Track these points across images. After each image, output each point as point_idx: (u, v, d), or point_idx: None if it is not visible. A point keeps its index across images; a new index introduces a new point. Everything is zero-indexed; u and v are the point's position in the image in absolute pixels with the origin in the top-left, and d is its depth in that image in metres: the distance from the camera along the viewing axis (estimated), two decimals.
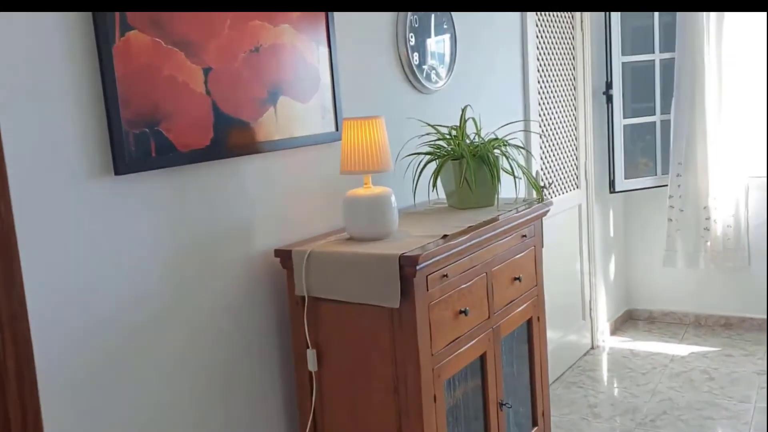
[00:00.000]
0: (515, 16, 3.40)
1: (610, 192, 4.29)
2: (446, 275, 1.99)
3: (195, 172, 1.87)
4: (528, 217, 2.40)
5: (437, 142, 2.56)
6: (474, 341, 2.15)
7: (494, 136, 2.61)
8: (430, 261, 1.88)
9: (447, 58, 2.90)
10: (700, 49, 4.09)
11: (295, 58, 2.12)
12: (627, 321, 4.69)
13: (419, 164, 2.54)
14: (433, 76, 2.81)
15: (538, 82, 3.62)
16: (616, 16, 4.10)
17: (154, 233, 1.77)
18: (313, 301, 2.00)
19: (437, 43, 2.85)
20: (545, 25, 3.69)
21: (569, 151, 3.98)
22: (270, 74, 2.04)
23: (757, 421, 3.18)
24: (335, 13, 2.27)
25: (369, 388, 1.96)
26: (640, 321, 4.67)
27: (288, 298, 2.06)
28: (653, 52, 4.25)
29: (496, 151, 2.49)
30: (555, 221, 3.77)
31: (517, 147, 2.65)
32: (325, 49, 2.22)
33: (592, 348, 4.25)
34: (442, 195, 2.59)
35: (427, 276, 1.91)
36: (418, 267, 1.83)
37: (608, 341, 4.35)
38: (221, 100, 1.89)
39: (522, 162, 3.24)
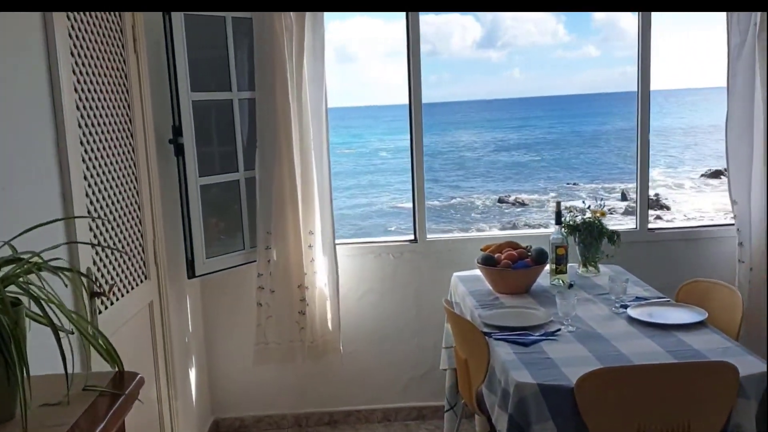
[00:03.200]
0: (36, 26, 1.99)
1: (189, 277, 3.12)
2: None
3: None
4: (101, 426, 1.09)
5: None
6: None
7: (12, 255, 1.21)
8: None
9: None
10: (284, 91, 3.26)
11: None
12: None
13: None
14: None
15: (80, 127, 2.25)
16: (180, 41, 2.97)
17: None
18: None
19: None
20: (84, 42, 2.33)
21: (131, 228, 2.68)
22: None
23: None
24: None
25: None
26: None
27: None
28: (230, 90, 3.26)
29: (10, 288, 1.11)
30: (119, 337, 2.44)
31: (63, 271, 1.29)
32: None
33: None
34: None
35: None
36: None
37: None
38: None
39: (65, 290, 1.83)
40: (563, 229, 3.17)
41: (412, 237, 3.68)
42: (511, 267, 3.01)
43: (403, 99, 3.65)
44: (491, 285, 3.09)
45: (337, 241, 3.47)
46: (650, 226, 3.65)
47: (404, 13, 3.52)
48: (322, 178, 3.43)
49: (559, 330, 2.55)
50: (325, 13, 3.34)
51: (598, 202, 3.33)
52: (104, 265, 2.39)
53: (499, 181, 25.66)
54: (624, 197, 21.65)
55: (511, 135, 35.30)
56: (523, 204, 21.52)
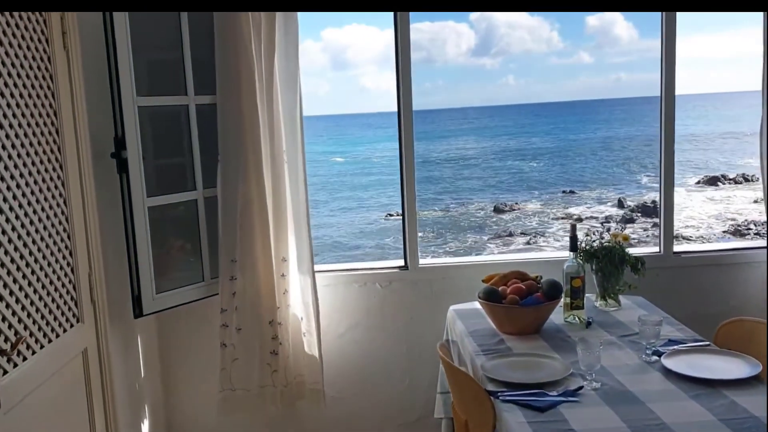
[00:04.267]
0: None
1: (136, 316, 2.63)
2: None
3: None
4: None
5: None
6: None
7: None
8: None
9: None
10: (251, 94, 2.78)
11: None
12: None
13: None
14: None
15: None
16: (123, 34, 2.49)
17: None
18: None
19: None
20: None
21: (57, 262, 2.19)
22: None
23: None
24: None
25: None
26: None
27: None
28: (185, 93, 2.77)
29: None
30: (37, 398, 1.96)
31: None
32: None
33: None
34: None
35: None
36: None
37: None
38: None
39: None
40: (579, 256, 2.70)
41: (402, 263, 3.20)
42: (519, 303, 2.53)
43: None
44: (495, 324, 2.62)
45: (316, 268, 3.00)
46: (676, 249, 3.19)
47: (393, 19, 3.09)
48: (297, 195, 2.96)
49: (581, 388, 2.07)
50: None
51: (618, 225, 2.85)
52: (13, 313, 1.90)
53: (495, 189, 25.23)
54: (621, 205, 21.24)
55: (507, 142, 34.88)
56: (519, 211, 21.13)
